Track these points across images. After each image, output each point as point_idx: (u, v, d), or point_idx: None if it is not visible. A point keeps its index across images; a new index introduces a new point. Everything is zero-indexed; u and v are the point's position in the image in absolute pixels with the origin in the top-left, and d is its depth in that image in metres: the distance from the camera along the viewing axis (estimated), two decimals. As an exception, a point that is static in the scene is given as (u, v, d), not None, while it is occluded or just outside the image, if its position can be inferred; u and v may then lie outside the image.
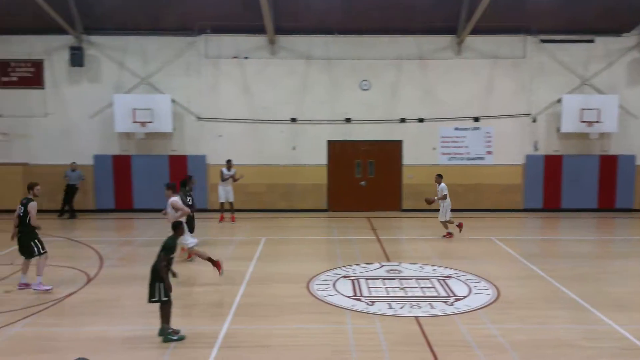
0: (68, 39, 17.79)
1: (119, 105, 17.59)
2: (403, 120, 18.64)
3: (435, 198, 14.88)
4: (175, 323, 8.58)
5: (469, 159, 18.84)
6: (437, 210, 15.11)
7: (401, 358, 7.35)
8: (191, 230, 12.59)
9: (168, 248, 7.93)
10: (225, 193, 16.82)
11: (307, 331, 8.35)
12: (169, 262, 7.98)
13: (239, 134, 18.44)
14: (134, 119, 17.49)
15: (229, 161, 17.01)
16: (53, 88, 18.23)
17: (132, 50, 18.16)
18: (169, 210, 11.47)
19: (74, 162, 17.82)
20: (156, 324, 8.43)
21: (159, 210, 17.53)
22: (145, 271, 8.72)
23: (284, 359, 7.33)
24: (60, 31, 17.45)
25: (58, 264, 11.91)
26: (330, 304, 9.46)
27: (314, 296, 9.91)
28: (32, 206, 10.33)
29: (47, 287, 10.23)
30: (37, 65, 18.09)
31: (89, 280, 10.90)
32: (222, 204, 16.91)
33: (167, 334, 7.89)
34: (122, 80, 18.21)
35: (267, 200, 18.63)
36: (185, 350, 7.60)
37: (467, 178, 18.80)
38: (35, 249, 10.30)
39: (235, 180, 16.78)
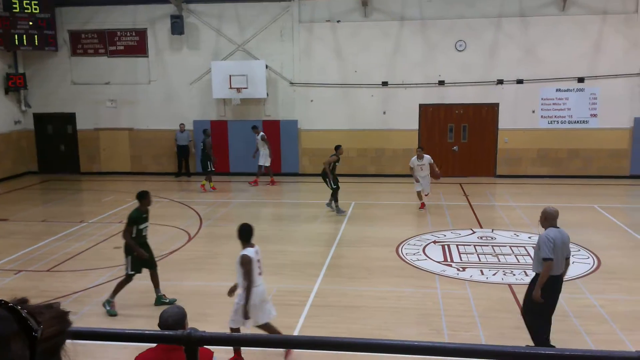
0: (169, 8, 18.49)
1: (216, 72, 18.18)
2: (500, 81, 17.88)
3: (438, 171, 13.67)
4: (268, 280, 8.94)
5: (571, 122, 17.80)
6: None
7: (493, 324, 7.27)
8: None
9: (130, 219, 7.82)
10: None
11: (397, 294, 8.43)
12: (139, 233, 7.86)
13: (330, 98, 18.51)
14: (230, 85, 18.04)
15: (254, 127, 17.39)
16: (156, 56, 19.13)
17: (228, 17, 18.60)
18: None
19: (182, 124, 18.65)
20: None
21: (254, 174, 18.20)
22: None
23: (374, 320, 7.47)
24: (161, 0, 18.18)
25: (163, 223, 12.73)
26: (420, 269, 9.47)
27: (403, 260, 9.94)
28: None
29: None
30: (141, 34, 19.03)
31: (190, 238, 11.57)
32: (263, 167, 17.32)
33: (106, 301, 7.88)
34: (219, 47, 18.76)
35: (357, 164, 18.69)
36: (279, 307, 7.92)
37: (569, 142, 17.81)
38: None
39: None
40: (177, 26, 18.28)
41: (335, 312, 7.77)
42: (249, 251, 6.20)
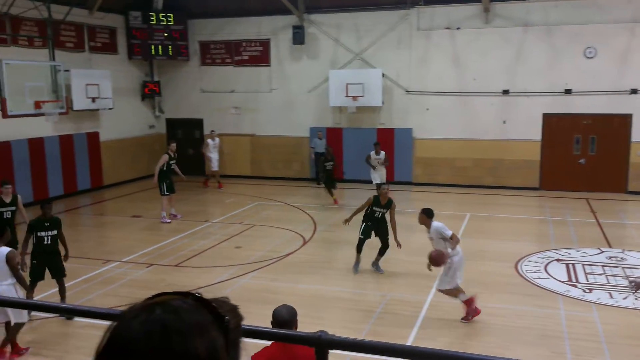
0: (291, 19, 19.17)
1: (333, 80, 18.54)
2: (634, 91, 16.57)
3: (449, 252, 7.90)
4: (381, 289, 8.99)
5: None
6: None
7: (622, 352, 6.78)
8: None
9: (29, 226, 7.76)
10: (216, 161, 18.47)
11: (515, 312, 8.11)
12: (40, 241, 7.67)
13: (446, 107, 18.17)
14: (346, 94, 18.32)
15: (212, 132, 18.68)
16: (277, 65, 19.89)
17: (347, 27, 18.90)
18: None
19: (320, 132, 19.04)
20: (365, 287, 8.92)
21: (367, 182, 18.28)
22: (353, 237, 9.20)
23: (490, 337, 7.25)
24: (284, 12, 18.89)
25: (279, 226, 13.19)
26: (541, 287, 9.03)
27: (523, 277, 9.53)
28: (162, 157, 13.77)
29: (167, 220, 13.62)
30: (265, 44, 19.89)
31: (305, 242, 11.88)
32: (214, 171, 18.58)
33: None
34: (337, 56, 19.12)
35: (473, 175, 18.16)
36: (392, 316, 7.95)
37: None
38: (160, 189, 13.71)
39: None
40: (299, 36, 18.89)
41: (448, 326, 7.63)
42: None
